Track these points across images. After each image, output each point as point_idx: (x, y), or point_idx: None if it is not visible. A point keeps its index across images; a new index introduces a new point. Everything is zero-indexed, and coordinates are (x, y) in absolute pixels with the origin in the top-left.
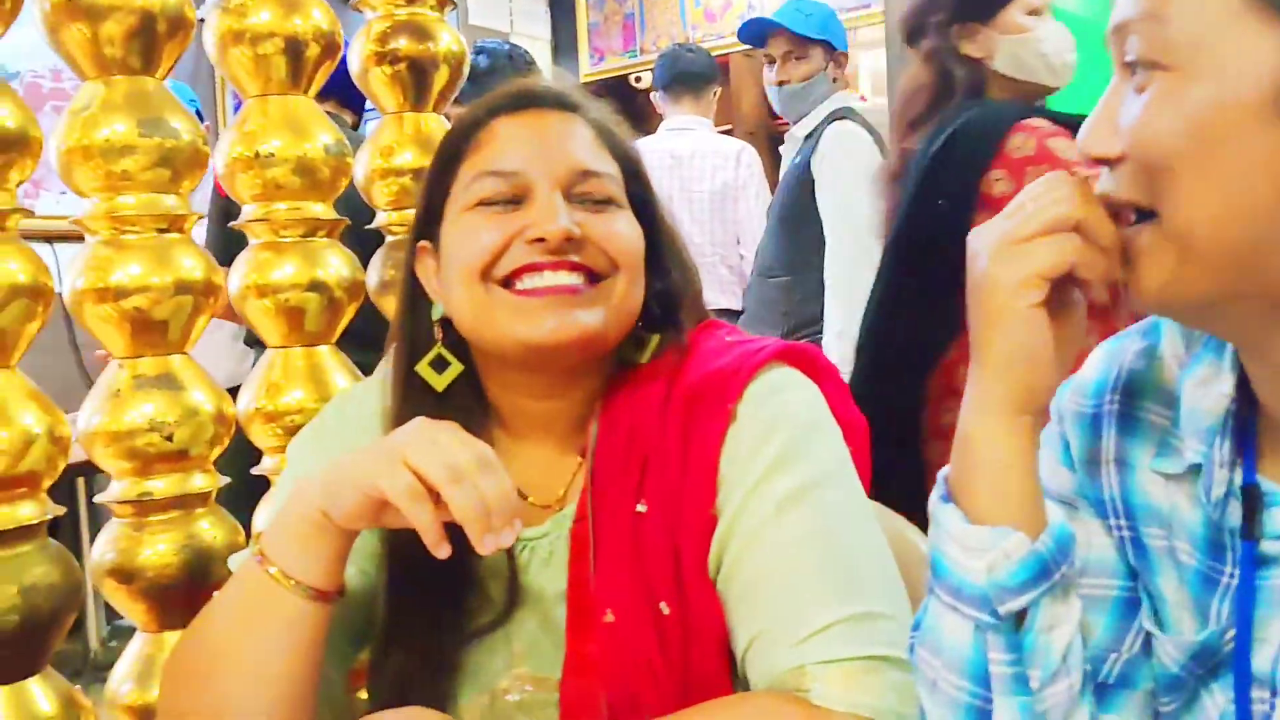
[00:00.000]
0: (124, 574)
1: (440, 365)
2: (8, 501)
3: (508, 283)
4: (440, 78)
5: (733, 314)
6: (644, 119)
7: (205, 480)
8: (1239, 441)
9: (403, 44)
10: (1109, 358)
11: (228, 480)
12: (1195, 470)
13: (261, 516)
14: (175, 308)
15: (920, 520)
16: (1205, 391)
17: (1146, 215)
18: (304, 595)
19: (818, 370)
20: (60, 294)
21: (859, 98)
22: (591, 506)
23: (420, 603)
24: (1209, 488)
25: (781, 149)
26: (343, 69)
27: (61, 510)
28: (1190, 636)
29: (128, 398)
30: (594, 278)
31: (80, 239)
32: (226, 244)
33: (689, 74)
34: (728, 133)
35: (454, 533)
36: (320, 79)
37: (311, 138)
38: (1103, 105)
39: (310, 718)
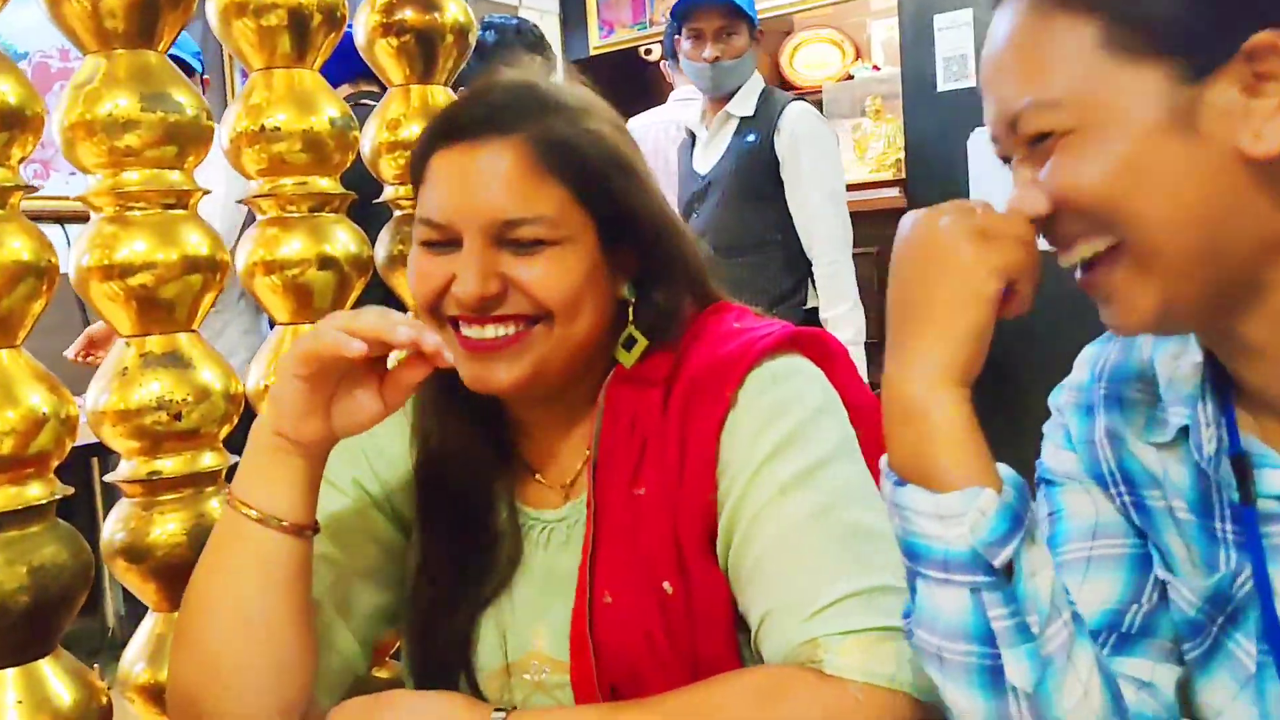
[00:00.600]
0: (134, 554)
1: None
2: (16, 482)
3: (455, 323)
4: (448, 49)
5: None
6: (654, 92)
7: (215, 459)
8: (1220, 403)
9: (409, 15)
10: (1094, 356)
11: (238, 459)
12: (1183, 435)
13: None
14: (182, 285)
15: None
16: (1178, 364)
17: (1109, 252)
18: (275, 528)
19: (827, 353)
20: (67, 274)
21: (872, 67)
22: (593, 494)
23: (443, 560)
24: (1199, 446)
25: (694, 125)
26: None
27: (70, 490)
28: (1202, 581)
29: (135, 376)
30: (531, 320)
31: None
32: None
33: None
34: None
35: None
36: (326, 51)
37: (317, 111)
38: (1019, 183)
39: (303, 663)
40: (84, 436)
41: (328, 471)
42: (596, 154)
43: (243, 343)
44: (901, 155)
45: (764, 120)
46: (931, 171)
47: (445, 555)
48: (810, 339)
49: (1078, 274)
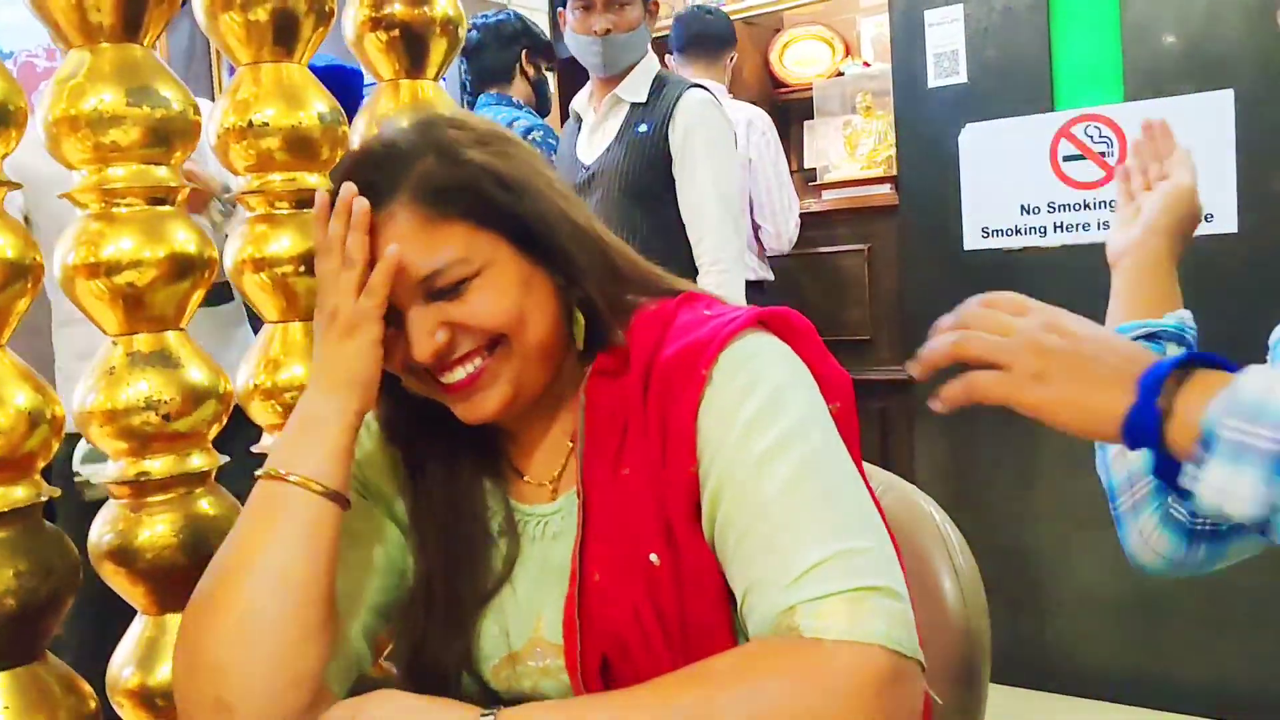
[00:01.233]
0: (123, 556)
1: None
2: (1, 484)
3: (431, 373)
4: (438, 43)
5: (752, 284)
6: None
7: (204, 459)
8: None
9: (397, 9)
10: None
11: (227, 459)
12: None
13: None
14: (170, 283)
15: None
16: None
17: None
18: (317, 491)
19: (794, 331)
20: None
21: (862, 64)
22: (581, 483)
23: (439, 565)
24: None
25: (580, 108)
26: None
27: (56, 492)
28: None
29: (122, 376)
30: (490, 346)
31: None
32: None
33: (707, 36)
34: None
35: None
36: (314, 45)
37: (305, 106)
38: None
39: (326, 634)
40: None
41: None
42: (476, 182)
43: None
44: (892, 152)
45: (657, 108)
46: (923, 168)
47: (442, 561)
48: (775, 317)
49: None
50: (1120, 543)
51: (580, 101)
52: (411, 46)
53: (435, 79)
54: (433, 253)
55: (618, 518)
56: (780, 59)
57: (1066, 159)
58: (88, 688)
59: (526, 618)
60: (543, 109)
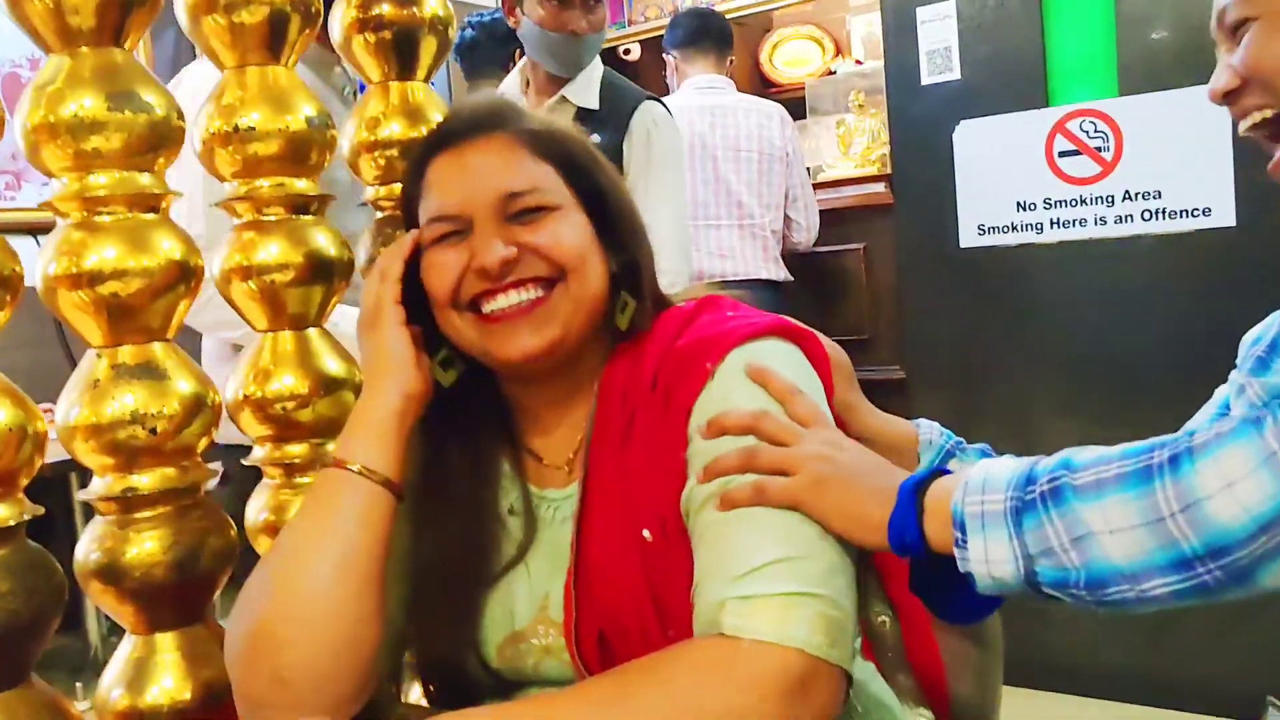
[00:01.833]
0: (110, 574)
1: (446, 364)
2: None
3: (474, 305)
4: (428, 44)
5: (773, 285)
6: None
7: (193, 473)
8: None
9: (386, 10)
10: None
11: (218, 470)
12: None
13: (253, 508)
14: (155, 293)
15: None
16: None
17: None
18: (377, 481)
19: (814, 351)
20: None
21: (854, 62)
22: (585, 464)
23: (444, 550)
24: None
25: (509, 96)
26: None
27: (40, 510)
28: None
29: (107, 389)
30: (548, 283)
31: None
32: None
33: (719, 31)
34: None
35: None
36: (300, 47)
37: (293, 110)
38: (1219, 66)
39: (378, 620)
40: (60, 454)
41: None
42: (570, 141)
43: None
44: (886, 150)
45: (611, 118)
46: (918, 165)
47: (455, 543)
48: (801, 332)
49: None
50: None
51: (512, 92)
52: (400, 48)
53: (426, 80)
54: (524, 175)
55: (618, 497)
56: (770, 59)
57: (1062, 155)
58: (75, 711)
59: (535, 598)
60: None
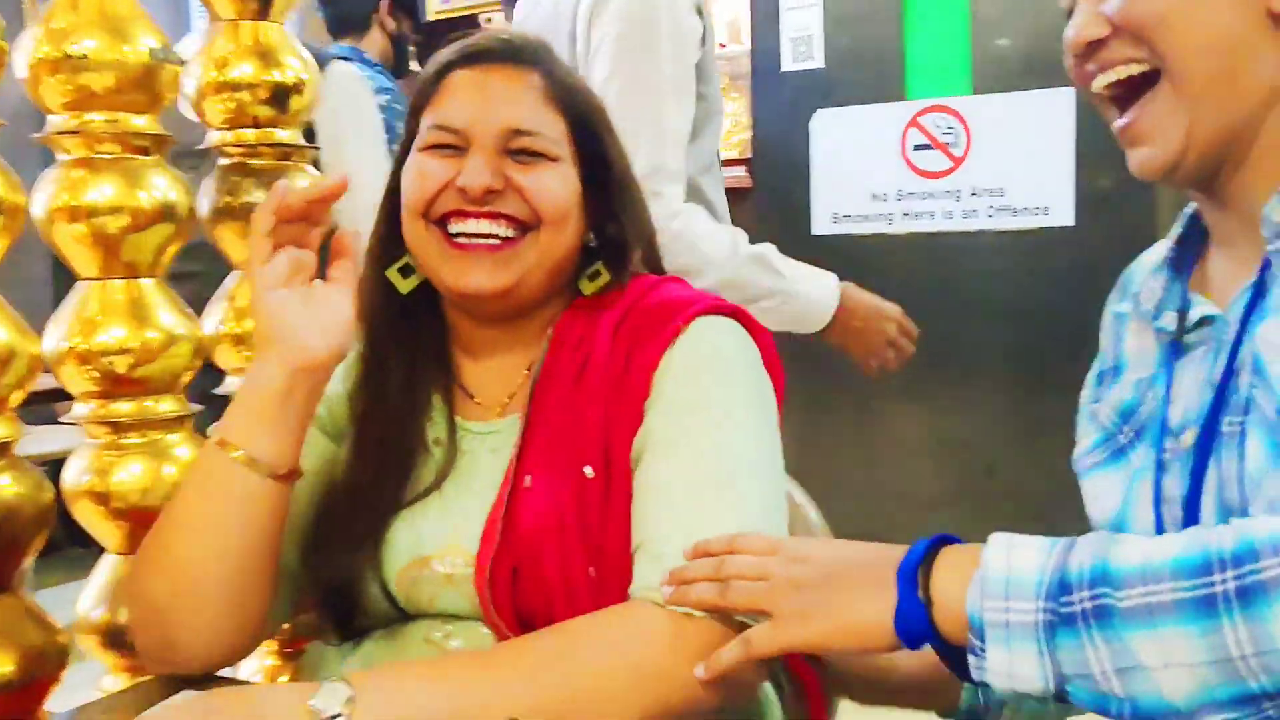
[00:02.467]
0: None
1: (406, 272)
2: None
3: (442, 222)
4: None
5: None
6: None
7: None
8: (1174, 271)
9: None
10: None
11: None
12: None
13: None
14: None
15: None
16: (1151, 259)
17: (1149, 82)
18: (263, 473)
19: (760, 336)
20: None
21: (718, 44)
22: (528, 405)
23: (358, 475)
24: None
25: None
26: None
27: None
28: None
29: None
30: (522, 227)
31: None
32: None
33: None
34: None
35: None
36: None
37: (132, 40)
38: (1082, 15)
39: (268, 587)
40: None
41: None
42: (590, 102)
43: None
44: (748, 134)
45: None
46: (776, 151)
47: (375, 466)
48: (749, 318)
49: (1118, 123)
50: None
51: None
52: None
53: (280, 22)
54: (535, 117)
55: (563, 433)
56: None
57: (916, 148)
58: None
59: (447, 526)
60: (399, 70)
